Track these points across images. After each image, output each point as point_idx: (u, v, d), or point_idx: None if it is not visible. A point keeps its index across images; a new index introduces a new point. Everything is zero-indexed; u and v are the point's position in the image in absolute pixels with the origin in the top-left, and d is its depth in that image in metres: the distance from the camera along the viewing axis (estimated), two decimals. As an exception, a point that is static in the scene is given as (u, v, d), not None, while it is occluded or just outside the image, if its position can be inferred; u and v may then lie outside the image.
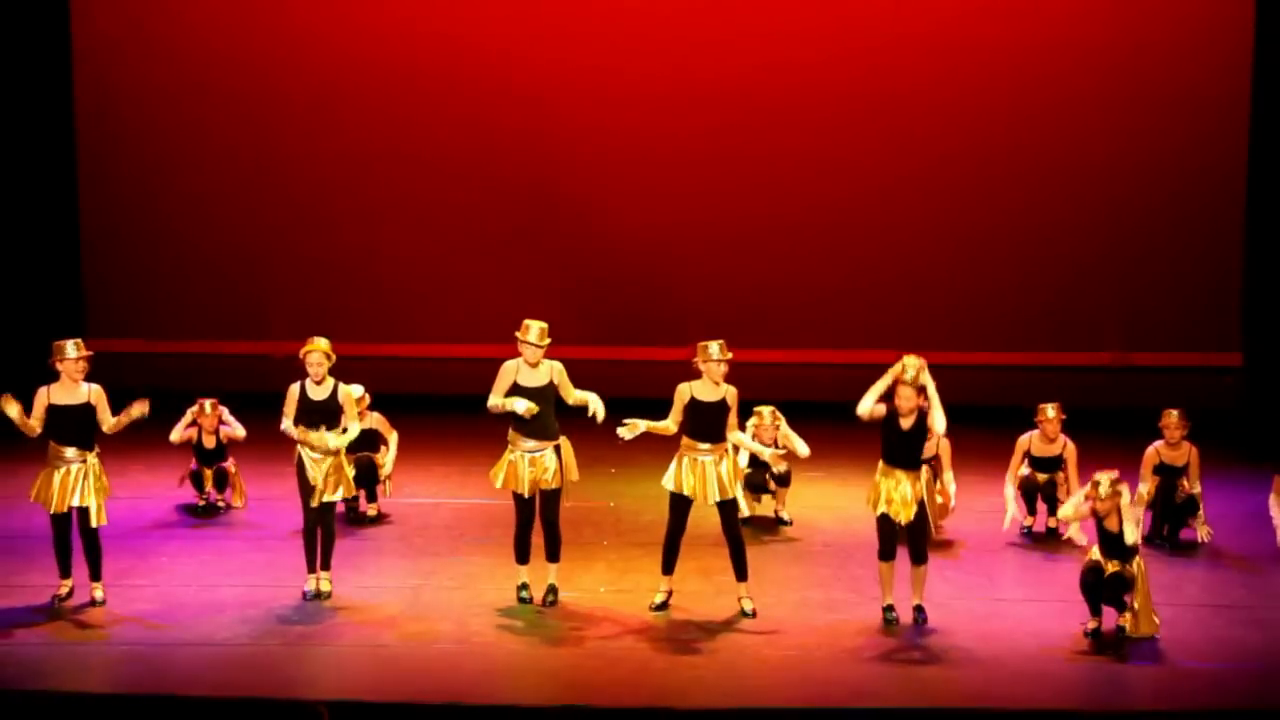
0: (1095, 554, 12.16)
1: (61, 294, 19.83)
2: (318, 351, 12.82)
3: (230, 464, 15.28)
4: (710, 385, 12.52)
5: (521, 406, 12.52)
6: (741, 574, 12.67)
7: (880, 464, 12.43)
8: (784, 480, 15.04)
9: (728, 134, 19.54)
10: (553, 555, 12.89)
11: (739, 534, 12.67)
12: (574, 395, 12.75)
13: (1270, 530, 14.23)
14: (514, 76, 19.63)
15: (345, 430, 12.85)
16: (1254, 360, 18.98)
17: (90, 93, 19.80)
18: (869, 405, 12.33)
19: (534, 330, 12.63)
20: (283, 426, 12.78)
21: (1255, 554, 14.16)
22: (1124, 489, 12.04)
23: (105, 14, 19.76)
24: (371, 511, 15.09)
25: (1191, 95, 19.13)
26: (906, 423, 12.28)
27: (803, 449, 14.66)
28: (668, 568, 12.75)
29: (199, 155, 19.83)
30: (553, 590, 12.87)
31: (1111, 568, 12.02)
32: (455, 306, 19.74)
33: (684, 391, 12.58)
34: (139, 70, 19.79)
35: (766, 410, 14.87)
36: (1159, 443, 14.23)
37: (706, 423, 12.55)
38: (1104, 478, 12.05)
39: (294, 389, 12.83)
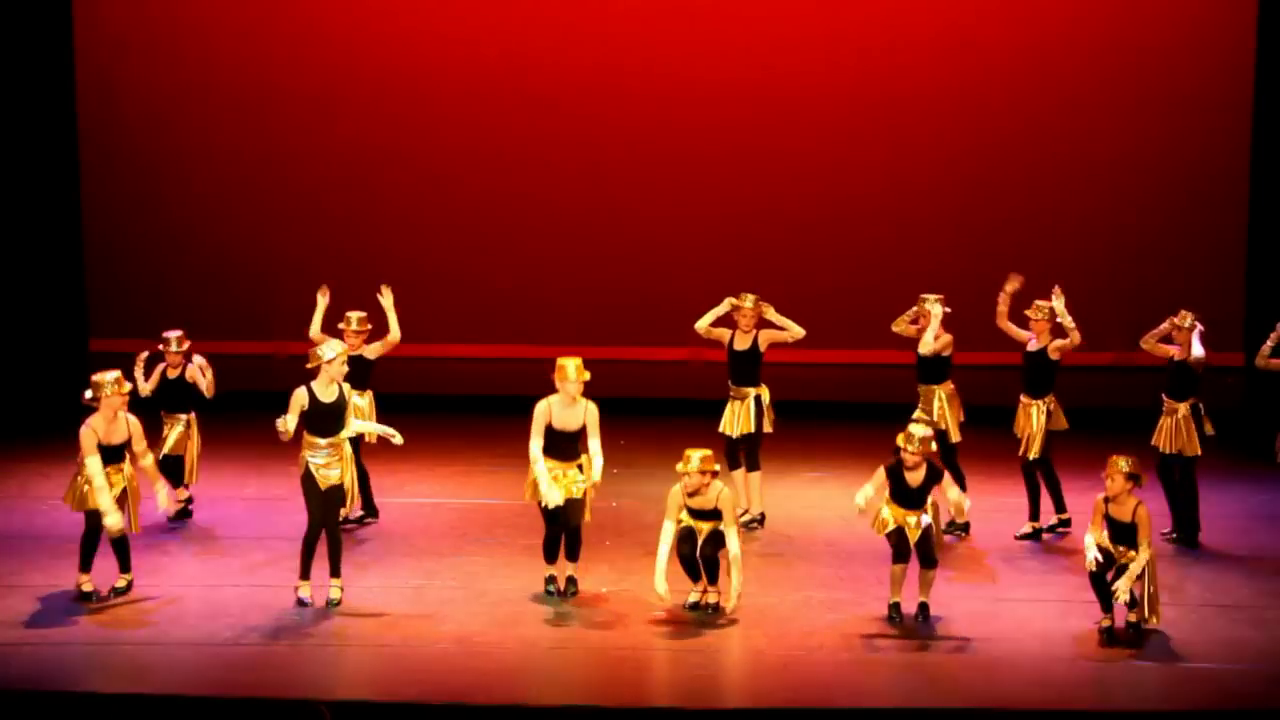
0: (1103, 544, 12.13)
1: (65, 294, 19.83)
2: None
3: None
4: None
5: (554, 501, 12.72)
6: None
7: (886, 495, 12.55)
8: (754, 457, 14.92)
9: (728, 134, 19.53)
10: (572, 556, 13.09)
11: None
12: (592, 448, 12.89)
13: (1273, 530, 14.26)
14: (515, 77, 19.63)
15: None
16: (1256, 361, 18.95)
17: (93, 93, 19.81)
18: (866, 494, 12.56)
19: (570, 368, 12.78)
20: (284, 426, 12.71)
21: (1257, 554, 14.15)
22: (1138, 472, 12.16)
23: (108, 14, 19.77)
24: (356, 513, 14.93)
25: (1194, 97, 19.12)
26: (914, 478, 12.45)
27: (796, 330, 14.64)
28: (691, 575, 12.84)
29: (202, 155, 19.84)
30: (572, 581, 13.11)
31: (1121, 557, 12.00)
32: (457, 306, 19.74)
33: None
34: (142, 70, 19.80)
35: (749, 297, 14.81)
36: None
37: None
38: (1121, 460, 12.10)
39: (300, 394, 12.70)
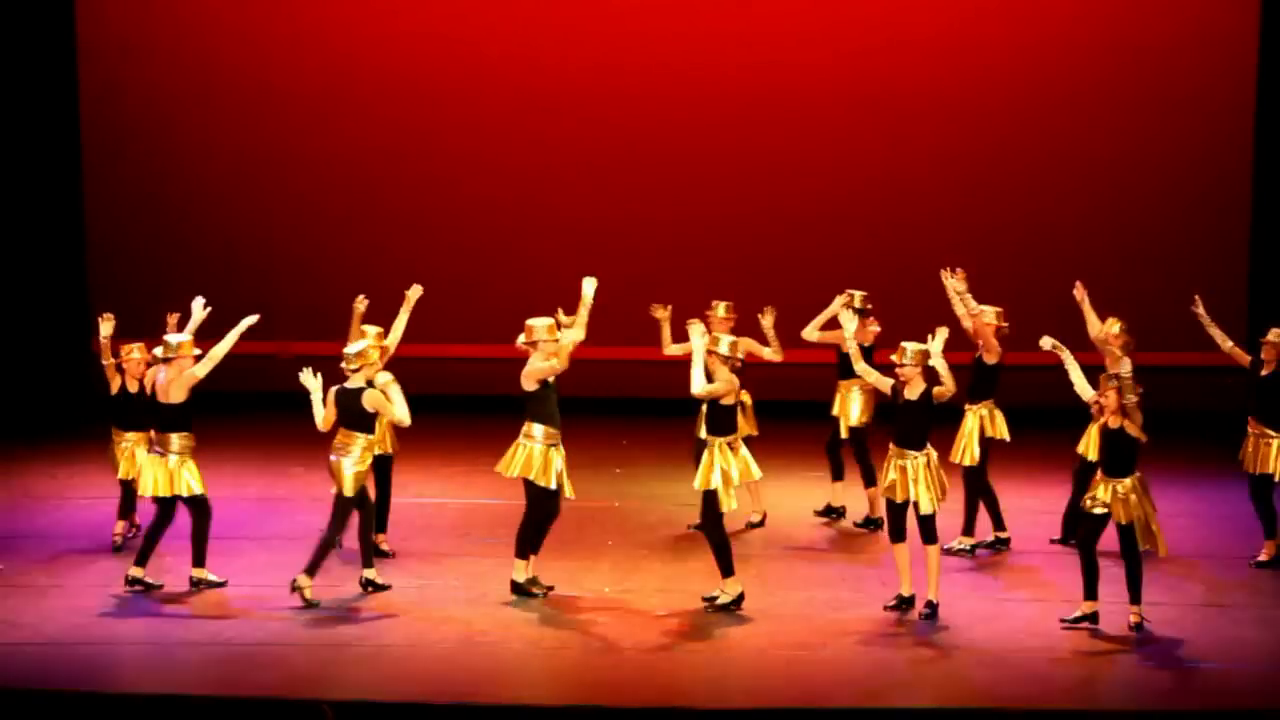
0: (1094, 486, 12.25)
1: (67, 294, 19.85)
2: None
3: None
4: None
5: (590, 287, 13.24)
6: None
7: (891, 446, 12.54)
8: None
9: (728, 134, 19.56)
10: (536, 546, 13.06)
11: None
12: (577, 327, 13.32)
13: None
14: (515, 77, 19.66)
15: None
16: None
17: (96, 93, 19.83)
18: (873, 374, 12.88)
19: (542, 327, 12.99)
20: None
21: (1256, 554, 14.13)
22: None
23: (111, 14, 19.80)
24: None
25: (1196, 97, 19.13)
26: (912, 391, 12.42)
27: (778, 350, 14.44)
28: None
29: (204, 156, 19.87)
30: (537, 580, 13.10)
31: (1103, 505, 12.10)
32: (457, 306, 19.74)
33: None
34: (144, 71, 19.82)
35: (721, 305, 14.75)
36: None
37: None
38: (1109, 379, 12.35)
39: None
